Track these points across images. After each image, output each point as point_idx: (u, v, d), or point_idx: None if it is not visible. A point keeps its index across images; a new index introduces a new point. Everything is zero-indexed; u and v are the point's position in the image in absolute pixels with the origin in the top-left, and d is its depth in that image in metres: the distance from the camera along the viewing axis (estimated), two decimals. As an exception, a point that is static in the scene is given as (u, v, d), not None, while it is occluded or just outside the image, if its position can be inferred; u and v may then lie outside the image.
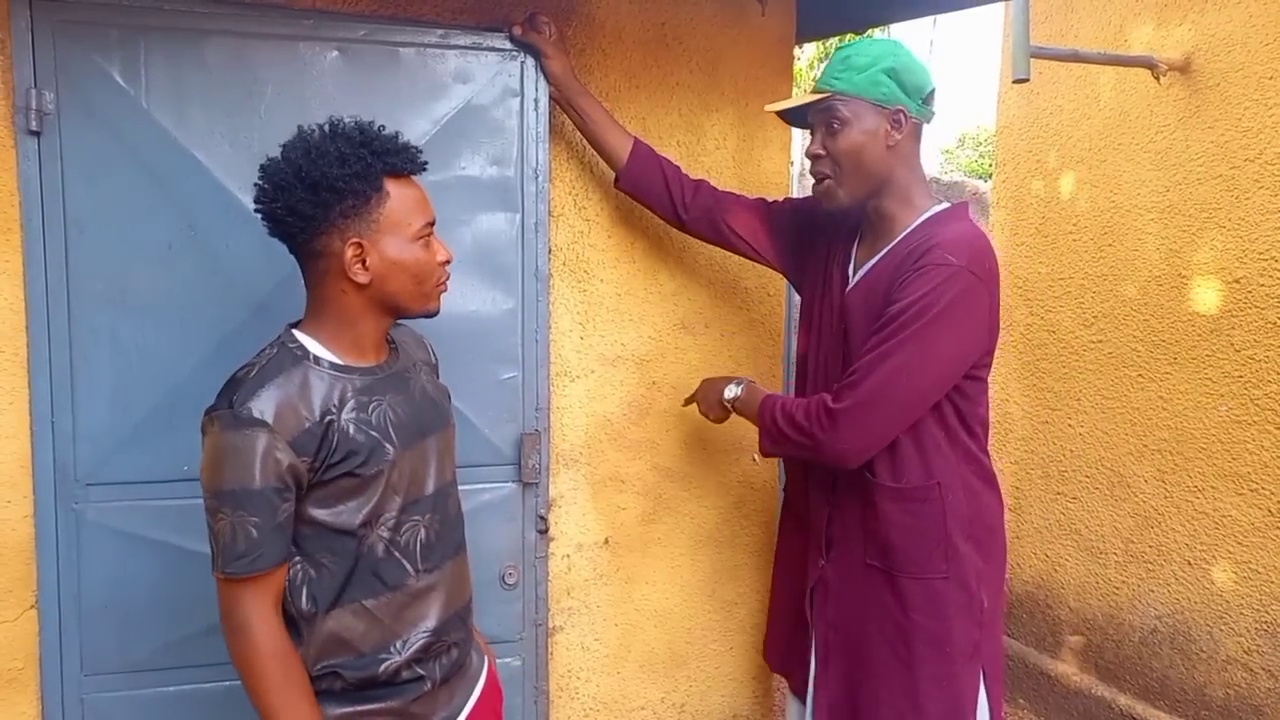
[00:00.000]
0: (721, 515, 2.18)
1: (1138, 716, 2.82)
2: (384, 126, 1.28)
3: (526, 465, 1.92)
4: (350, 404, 1.25)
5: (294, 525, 1.24)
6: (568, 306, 2.00)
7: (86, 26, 1.62)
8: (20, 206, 1.62)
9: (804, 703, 1.85)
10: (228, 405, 1.19)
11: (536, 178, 1.89)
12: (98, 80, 1.63)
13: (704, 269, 2.11)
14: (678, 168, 1.91)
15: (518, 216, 1.89)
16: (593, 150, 1.94)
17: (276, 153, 1.74)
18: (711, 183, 1.99)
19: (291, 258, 1.74)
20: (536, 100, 1.87)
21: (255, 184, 1.25)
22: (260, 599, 1.22)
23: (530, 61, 1.85)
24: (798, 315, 1.96)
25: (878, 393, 1.54)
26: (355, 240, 1.23)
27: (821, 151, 1.64)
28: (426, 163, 1.31)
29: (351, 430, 1.24)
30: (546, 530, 1.99)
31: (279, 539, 1.21)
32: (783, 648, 1.94)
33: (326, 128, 1.25)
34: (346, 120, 1.27)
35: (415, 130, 1.77)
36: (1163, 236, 2.75)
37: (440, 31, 1.81)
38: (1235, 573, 2.58)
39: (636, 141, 1.87)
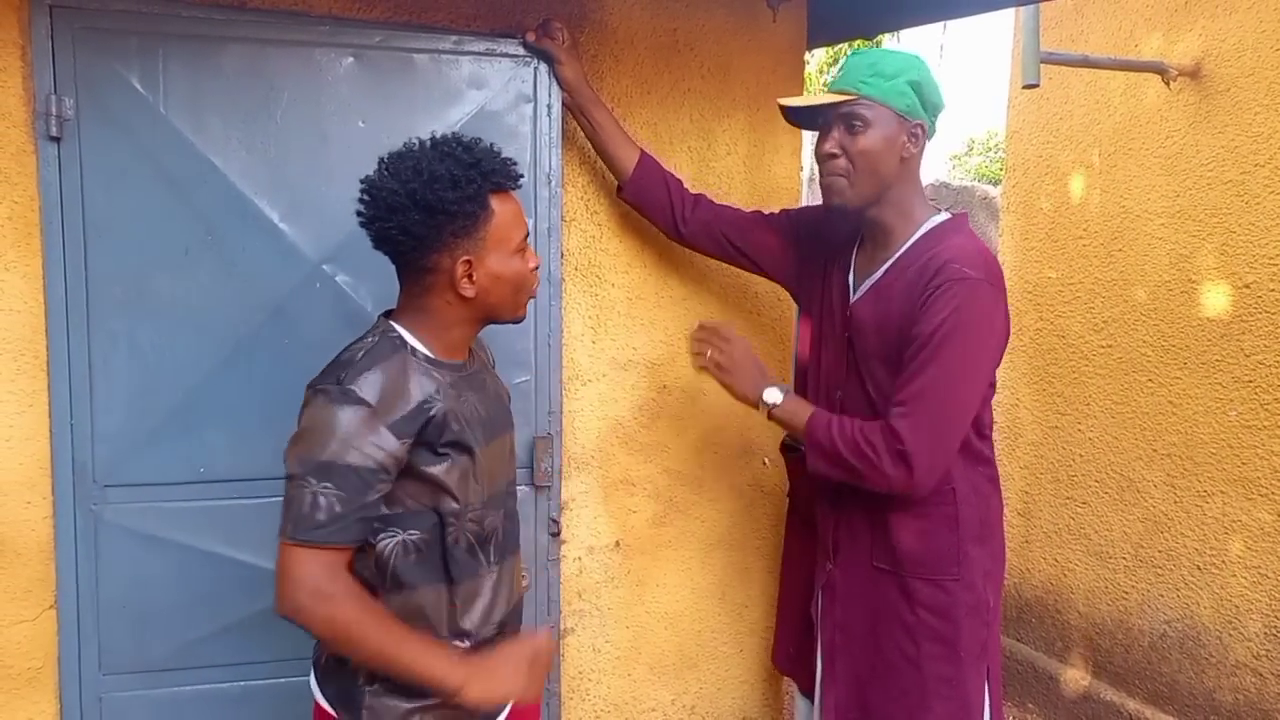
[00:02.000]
0: (732, 518, 2.19)
1: (1147, 721, 2.82)
2: (480, 140, 1.31)
3: (539, 468, 1.94)
4: (445, 396, 1.29)
5: (396, 503, 1.26)
6: (580, 311, 2.02)
7: (106, 34, 1.64)
8: (40, 211, 1.64)
9: (813, 702, 1.86)
10: (335, 381, 1.22)
11: (549, 183, 1.90)
12: (117, 86, 1.65)
13: (714, 274, 2.12)
14: (680, 181, 1.93)
15: (530, 221, 1.89)
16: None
17: (293, 158, 1.76)
18: (723, 187, 2.00)
19: (306, 263, 1.77)
20: (549, 106, 1.88)
21: (361, 200, 1.27)
22: (335, 568, 1.22)
23: (543, 68, 1.87)
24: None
25: (943, 423, 1.55)
26: (466, 259, 1.27)
27: (838, 150, 1.62)
28: (523, 175, 1.35)
29: (447, 417, 1.28)
30: (558, 533, 2.00)
31: (363, 517, 1.22)
32: (790, 649, 1.96)
33: (431, 146, 1.27)
34: (449, 136, 1.29)
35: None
36: (1173, 241, 2.75)
37: (454, 38, 1.82)
38: (1245, 577, 2.58)
39: (643, 153, 1.89)
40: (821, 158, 1.65)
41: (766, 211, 1.96)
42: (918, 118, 1.62)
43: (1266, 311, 2.50)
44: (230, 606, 1.77)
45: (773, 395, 1.69)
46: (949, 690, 1.66)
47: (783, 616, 2.01)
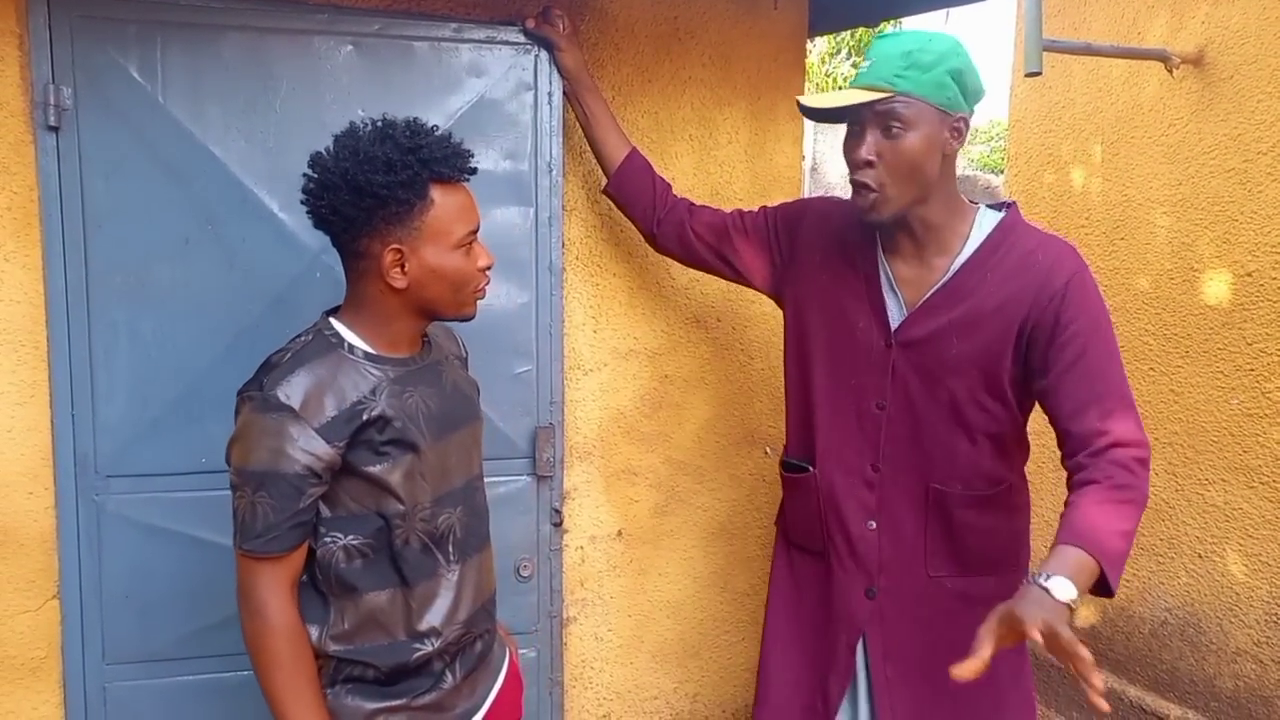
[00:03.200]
0: (734, 507, 2.19)
1: (1147, 708, 2.83)
2: (436, 127, 1.27)
3: (540, 458, 1.94)
4: (384, 393, 1.26)
5: (338, 506, 1.26)
6: (581, 300, 2.01)
7: (103, 22, 1.63)
8: (40, 201, 1.64)
9: None
10: (259, 387, 1.20)
11: (550, 171, 1.90)
12: (115, 76, 1.64)
13: (716, 262, 2.11)
14: (669, 186, 1.85)
15: (531, 210, 1.89)
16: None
17: (293, 147, 1.75)
18: (724, 176, 1.96)
19: (306, 252, 1.76)
20: (550, 94, 1.88)
21: (304, 174, 1.25)
22: (277, 579, 1.24)
23: (544, 55, 1.86)
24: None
25: (1132, 402, 1.47)
26: (395, 246, 1.23)
27: (874, 157, 1.44)
28: (476, 169, 1.30)
29: (386, 415, 1.25)
30: (560, 523, 2.00)
31: (297, 524, 1.22)
32: (791, 702, 1.71)
33: (379, 126, 1.24)
34: (399, 121, 1.25)
35: (422, 120, 1.77)
36: (1175, 230, 2.75)
37: (454, 25, 1.81)
38: (1246, 565, 2.58)
39: (634, 150, 1.84)
40: (855, 164, 1.47)
41: (745, 210, 1.81)
42: (960, 111, 1.45)
43: (1269, 300, 2.49)
44: (233, 596, 1.74)
45: (1065, 590, 1.28)
46: (1018, 683, 1.60)
47: (780, 668, 1.74)
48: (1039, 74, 2.34)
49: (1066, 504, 1.41)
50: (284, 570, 1.24)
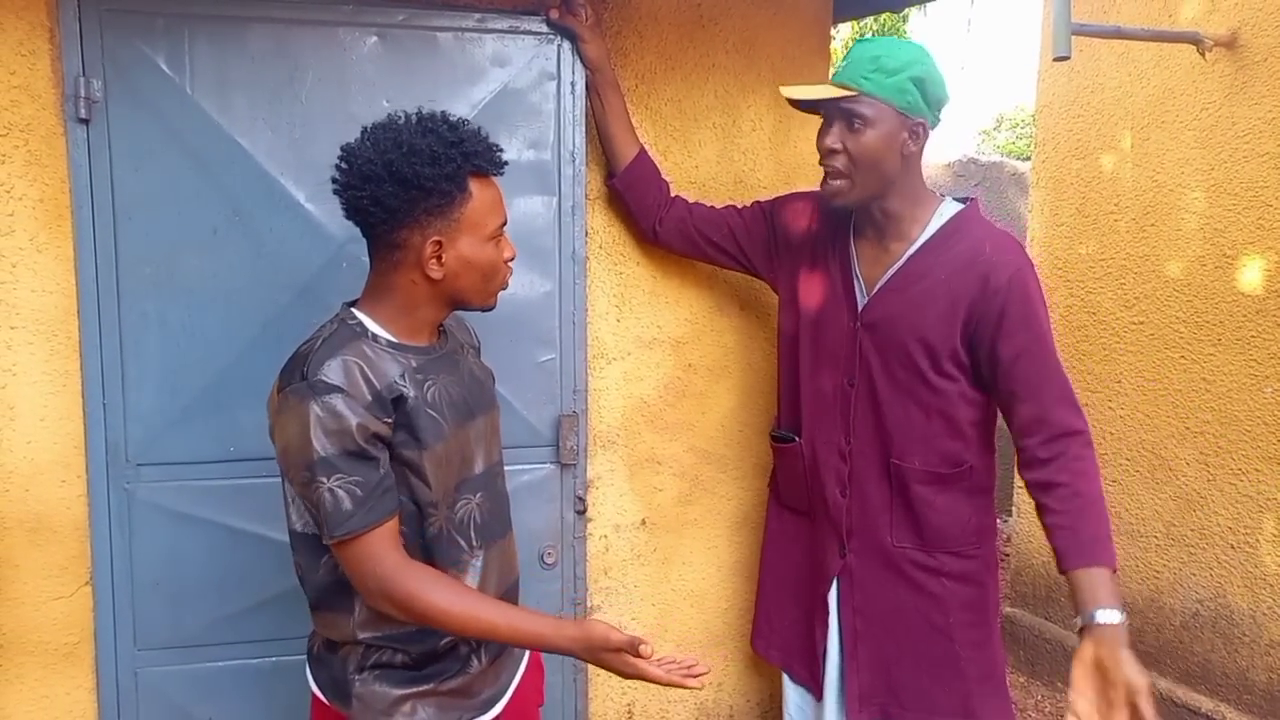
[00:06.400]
0: (758, 497, 2.19)
1: (1178, 700, 2.80)
2: (467, 122, 1.29)
3: (564, 446, 1.94)
4: (409, 379, 1.26)
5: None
6: (604, 289, 2.01)
7: (132, 15, 1.64)
8: (71, 193, 1.66)
9: (809, 692, 1.86)
10: (301, 378, 1.19)
11: (573, 161, 1.89)
12: (143, 68, 1.66)
13: (740, 251, 2.10)
14: (668, 185, 1.95)
15: (555, 200, 1.89)
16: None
17: (319, 138, 1.76)
18: (748, 164, 1.96)
19: (332, 242, 1.77)
20: (573, 84, 1.87)
21: (337, 167, 1.25)
22: (383, 547, 1.20)
23: (567, 45, 1.86)
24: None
25: (1070, 387, 1.62)
26: (436, 239, 1.24)
27: (839, 146, 1.61)
28: (507, 163, 1.32)
29: (414, 400, 1.25)
30: (584, 511, 2.00)
31: (385, 489, 1.21)
32: (785, 641, 1.92)
33: (416, 120, 1.25)
34: (436, 114, 1.26)
35: (453, 114, 1.78)
36: (1207, 215, 2.70)
37: (478, 15, 1.82)
38: (1279, 556, 2.54)
39: (643, 149, 1.91)
40: (822, 151, 1.64)
41: (739, 205, 1.94)
42: (919, 115, 1.60)
43: (1304, 286, 2.45)
44: (262, 583, 1.79)
45: (1110, 615, 1.46)
46: (979, 653, 1.70)
47: (774, 609, 1.95)
48: (1067, 58, 2.30)
49: (1045, 507, 1.56)
50: (387, 536, 1.21)
